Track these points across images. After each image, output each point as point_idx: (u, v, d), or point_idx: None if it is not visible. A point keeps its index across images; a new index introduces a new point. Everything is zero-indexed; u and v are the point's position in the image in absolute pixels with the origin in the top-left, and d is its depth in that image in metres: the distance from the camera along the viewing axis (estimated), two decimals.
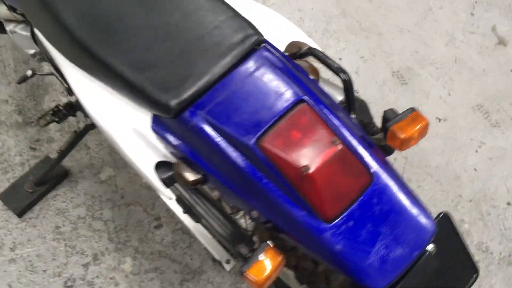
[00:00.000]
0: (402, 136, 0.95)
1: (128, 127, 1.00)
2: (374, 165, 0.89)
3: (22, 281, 1.61)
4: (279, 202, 0.86)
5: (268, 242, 0.88)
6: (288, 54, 1.08)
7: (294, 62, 1.01)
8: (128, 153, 1.00)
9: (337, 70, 1.00)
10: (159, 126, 0.96)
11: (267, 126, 0.87)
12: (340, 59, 2.18)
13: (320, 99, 0.92)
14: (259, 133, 0.86)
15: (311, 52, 1.05)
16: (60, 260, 1.64)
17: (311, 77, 1.02)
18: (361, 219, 0.86)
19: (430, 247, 0.92)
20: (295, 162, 0.84)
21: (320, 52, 1.05)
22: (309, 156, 0.84)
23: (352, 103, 1.04)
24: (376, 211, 0.87)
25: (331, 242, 0.85)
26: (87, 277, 1.61)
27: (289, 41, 1.11)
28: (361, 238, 0.85)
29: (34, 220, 1.70)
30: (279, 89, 0.90)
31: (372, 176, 0.89)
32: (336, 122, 0.90)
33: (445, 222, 0.96)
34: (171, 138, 0.94)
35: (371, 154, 0.90)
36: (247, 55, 0.94)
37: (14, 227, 1.68)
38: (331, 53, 2.18)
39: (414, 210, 0.89)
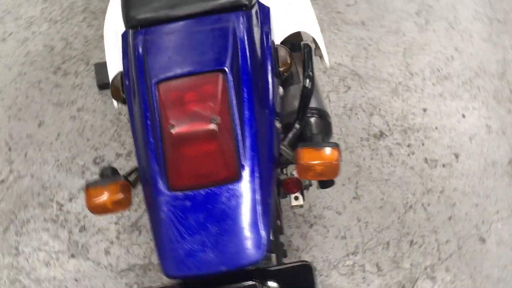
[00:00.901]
0: (301, 161, 0.85)
1: (114, 31, 1.09)
2: (249, 170, 0.82)
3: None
4: (146, 148, 0.86)
5: (123, 176, 0.90)
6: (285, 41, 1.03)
7: (267, 44, 0.96)
8: (106, 47, 1.09)
9: (306, 76, 0.92)
10: (124, 36, 1.02)
11: (175, 75, 0.86)
12: (463, 116, 1.92)
13: (252, 84, 0.87)
14: (164, 77, 0.86)
15: (300, 48, 0.98)
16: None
17: (281, 68, 0.96)
18: (199, 206, 0.81)
19: (272, 284, 0.83)
20: (169, 116, 0.83)
21: (309, 52, 0.97)
22: (183, 120, 0.82)
23: (303, 113, 0.95)
24: (218, 208, 0.81)
25: (159, 208, 0.82)
26: None
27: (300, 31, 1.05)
28: (186, 221, 0.81)
29: None
30: (213, 52, 0.88)
31: (240, 177, 0.82)
32: (246, 112, 0.85)
33: (303, 271, 0.85)
34: (121, 50, 1.00)
35: (256, 159, 0.83)
36: (221, 11, 0.93)
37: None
38: (457, 104, 1.93)
39: (250, 232, 0.80)
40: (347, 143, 1.85)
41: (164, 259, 0.81)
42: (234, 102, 0.84)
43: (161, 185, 0.83)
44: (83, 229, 1.76)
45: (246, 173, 0.83)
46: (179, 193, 0.83)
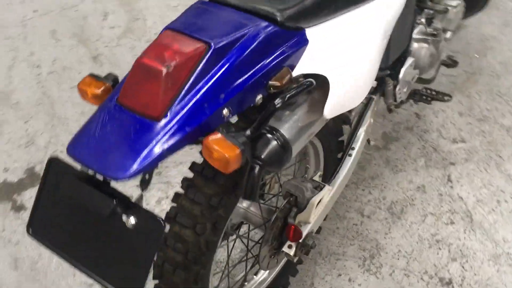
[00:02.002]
0: (208, 139, 0.83)
1: None
2: (166, 121, 0.82)
3: None
4: None
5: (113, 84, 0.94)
6: None
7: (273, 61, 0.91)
8: None
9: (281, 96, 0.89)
10: None
11: (179, 30, 0.89)
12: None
13: (223, 76, 0.85)
14: (172, 27, 0.90)
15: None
16: None
17: (275, 83, 0.89)
18: (121, 121, 0.86)
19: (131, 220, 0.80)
20: (148, 49, 0.86)
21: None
22: (151, 55, 0.84)
23: (258, 124, 0.89)
24: (128, 129, 0.84)
25: (104, 107, 0.89)
26: None
27: None
28: (106, 125, 0.86)
29: None
30: (218, 31, 0.88)
31: (158, 121, 0.82)
32: (201, 87, 0.84)
33: (154, 224, 0.83)
34: None
35: (180, 122, 0.83)
36: (256, 14, 0.93)
37: None
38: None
39: (130, 158, 0.81)
40: (409, 266, 1.61)
41: (75, 139, 0.87)
42: (198, 70, 0.83)
43: (115, 94, 0.89)
44: None
45: (162, 122, 0.82)
46: (118, 106, 0.87)
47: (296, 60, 0.92)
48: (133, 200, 0.89)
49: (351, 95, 1.02)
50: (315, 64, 0.94)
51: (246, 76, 0.86)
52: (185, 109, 0.82)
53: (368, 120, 1.43)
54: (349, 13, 1.03)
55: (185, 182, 1.10)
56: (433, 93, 1.65)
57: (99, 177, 0.89)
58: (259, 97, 0.88)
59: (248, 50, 0.86)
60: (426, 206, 1.78)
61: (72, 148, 0.85)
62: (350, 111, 1.45)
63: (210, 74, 0.84)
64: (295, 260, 1.36)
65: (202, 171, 1.06)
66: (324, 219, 1.52)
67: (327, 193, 1.30)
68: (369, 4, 1.08)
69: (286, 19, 0.91)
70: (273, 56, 0.89)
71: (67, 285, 1.74)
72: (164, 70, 0.80)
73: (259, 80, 0.87)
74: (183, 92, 0.82)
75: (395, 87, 1.44)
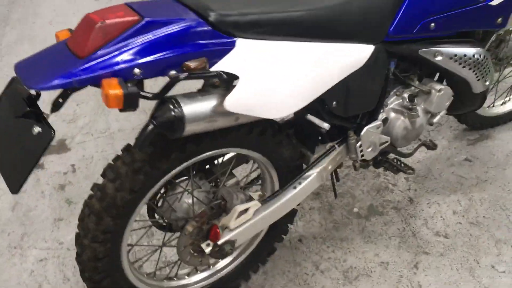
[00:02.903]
0: (104, 81, 1.02)
1: None
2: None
3: None
4: None
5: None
6: None
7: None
8: None
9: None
10: None
11: (128, 4, 1.13)
12: None
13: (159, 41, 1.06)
14: (127, 3, 1.14)
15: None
16: None
17: (188, 65, 1.08)
18: (61, 53, 1.09)
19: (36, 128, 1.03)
20: (99, 11, 1.10)
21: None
22: (98, 13, 1.07)
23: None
24: (62, 58, 1.07)
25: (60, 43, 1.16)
26: None
27: None
28: (51, 51, 1.11)
29: None
30: (160, 13, 1.11)
31: (85, 57, 1.04)
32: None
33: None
34: None
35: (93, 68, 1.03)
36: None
37: None
38: None
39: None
40: None
41: (24, 59, 1.11)
42: (126, 34, 1.05)
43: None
44: None
45: (84, 61, 1.04)
46: (63, 44, 1.11)
47: (218, 57, 1.10)
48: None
49: (262, 103, 1.16)
50: (235, 66, 1.12)
51: (163, 51, 1.06)
52: (104, 58, 1.03)
53: (324, 164, 1.54)
54: (293, 42, 1.20)
55: (125, 147, 1.30)
56: (400, 164, 1.71)
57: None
58: (172, 72, 1.07)
59: (171, 33, 1.07)
60: (381, 282, 1.77)
61: (17, 64, 1.09)
62: (311, 152, 1.57)
63: (135, 39, 1.05)
64: (208, 262, 1.46)
65: None
66: (269, 255, 1.60)
67: (253, 207, 1.41)
68: (316, 42, 1.25)
69: (218, 23, 1.11)
70: (193, 45, 1.08)
71: (44, 237, 1.98)
72: (99, 24, 1.03)
73: (174, 59, 1.06)
74: (108, 46, 1.04)
75: (357, 142, 1.54)
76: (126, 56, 1.03)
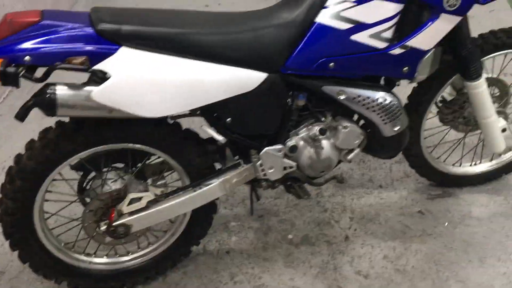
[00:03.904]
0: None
1: None
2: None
3: None
4: None
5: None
6: None
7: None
8: None
9: None
10: None
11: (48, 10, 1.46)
12: None
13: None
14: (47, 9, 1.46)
15: None
16: None
17: (70, 59, 1.34)
18: None
19: None
20: (16, 12, 1.42)
21: None
22: (15, 13, 1.41)
23: None
24: None
25: None
26: None
27: None
28: None
29: None
30: (63, 18, 1.43)
31: None
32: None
33: None
34: None
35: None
36: None
37: None
38: None
39: None
40: None
41: None
42: (26, 30, 1.37)
43: None
44: None
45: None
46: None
47: (100, 59, 1.38)
48: None
49: (131, 101, 1.39)
50: (111, 67, 1.38)
51: (50, 46, 1.36)
52: (4, 44, 1.35)
53: (227, 176, 1.71)
54: (174, 57, 1.44)
55: (44, 129, 1.60)
56: (300, 188, 1.81)
57: None
58: (57, 63, 1.36)
59: (61, 34, 1.37)
60: None
61: None
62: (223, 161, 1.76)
63: (32, 34, 1.36)
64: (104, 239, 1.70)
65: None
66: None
67: (146, 198, 1.64)
68: (198, 61, 1.47)
69: (102, 31, 1.39)
70: (79, 46, 1.37)
71: None
72: (7, 20, 1.37)
73: (60, 53, 1.36)
74: (10, 37, 1.36)
75: (258, 160, 1.70)
76: (20, 46, 1.34)
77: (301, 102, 1.68)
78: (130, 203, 1.63)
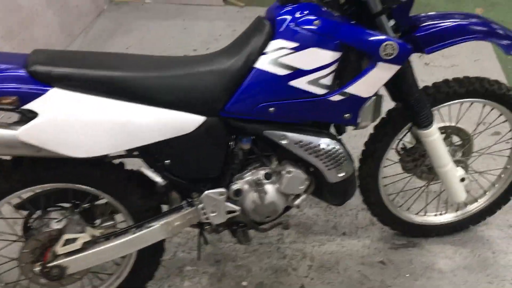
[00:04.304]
0: None
1: None
2: None
3: None
4: None
5: None
6: None
7: None
8: None
9: None
10: None
11: None
12: None
13: None
14: None
15: None
16: None
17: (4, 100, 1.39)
18: None
19: None
20: None
21: None
22: None
23: None
24: None
25: None
26: None
27: None
28: None
29: None
30: None
31: None
32: None
33: None
34: None
35: None
36: None
37: None
38: None
39: None
40: None
41: None
42: None
43: None
44: None
45: None
46: None
47: (31, 99, 1.39)
48: None
49: (58, 141, 1.40)
50: (40, 107, 1.40)
51: None
52: None
53: (170, 219, 1.69)
54: (105, 99, 1.46)
55: None
56: (243, 233, 1.78)
57: None
58: None
59: None
60: None
61: None
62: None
63: None
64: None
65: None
66: None
67: (82, 239, 1.62)
68: (130, 103, 1.48)
69: (33, 73, 1.41)
70: (10, 86, 1.39)
71: None
72: None
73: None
74: None
75: (199, 204, 1.68)
76: None
77: (246, 146, 1.67)
78: (65, 244, 1.61)
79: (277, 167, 1.71)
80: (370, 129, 1.92)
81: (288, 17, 1.53)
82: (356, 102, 1.62)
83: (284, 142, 1.64)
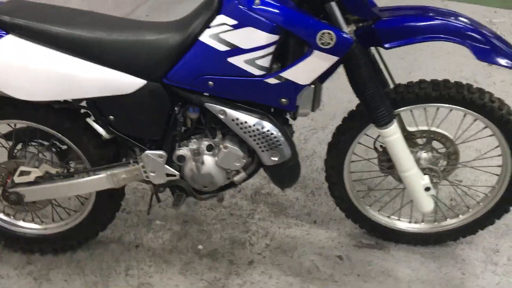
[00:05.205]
0: None
1: None
2: None
3: None
4: None
5: None
6: None
7: None
8: None
9: None
10: None
11: None
12: None
13: None
14: None
15: None
16: None
17: None
18: None
19: None
20: None
21: None
22: None
23: None
24: None
25: None
26: None
27: None
28: None
29: None
30: None
31: None
32: None
33: None
34: None
35: None
36: None
37: None
38: None
39: None
40: None
41: None
42: None
43: None
44: None
45: None
46: None
47: None
48: None
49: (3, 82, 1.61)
50: None
51: None
52: None
53: (116, 171, 1.83)
54: (52, 50, 1.61)
55: None
56: (177, 196, 1.86)
57: None
58: None
59: None
60: None
61: None
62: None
63: None
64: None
65: None
66: None
67: (34, 173, 1.82)
68: (74, 57, 1.61)
69: None
70: None
71: None
72: None
73: None
74: None
75: (140, 162, 1.80)
76: None
77: (192, 115, 1.74)
78: (21, 174, 1.82)
79: (219, 141, 1.76)
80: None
81: None
82: (293, 88, 1.59)
83: (222, 117, 1.67)
